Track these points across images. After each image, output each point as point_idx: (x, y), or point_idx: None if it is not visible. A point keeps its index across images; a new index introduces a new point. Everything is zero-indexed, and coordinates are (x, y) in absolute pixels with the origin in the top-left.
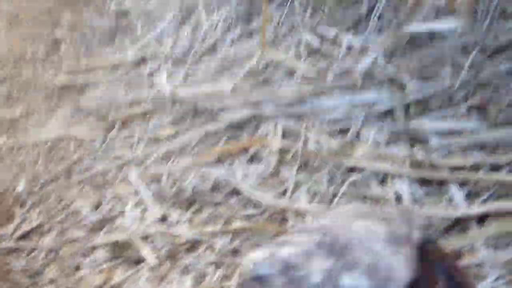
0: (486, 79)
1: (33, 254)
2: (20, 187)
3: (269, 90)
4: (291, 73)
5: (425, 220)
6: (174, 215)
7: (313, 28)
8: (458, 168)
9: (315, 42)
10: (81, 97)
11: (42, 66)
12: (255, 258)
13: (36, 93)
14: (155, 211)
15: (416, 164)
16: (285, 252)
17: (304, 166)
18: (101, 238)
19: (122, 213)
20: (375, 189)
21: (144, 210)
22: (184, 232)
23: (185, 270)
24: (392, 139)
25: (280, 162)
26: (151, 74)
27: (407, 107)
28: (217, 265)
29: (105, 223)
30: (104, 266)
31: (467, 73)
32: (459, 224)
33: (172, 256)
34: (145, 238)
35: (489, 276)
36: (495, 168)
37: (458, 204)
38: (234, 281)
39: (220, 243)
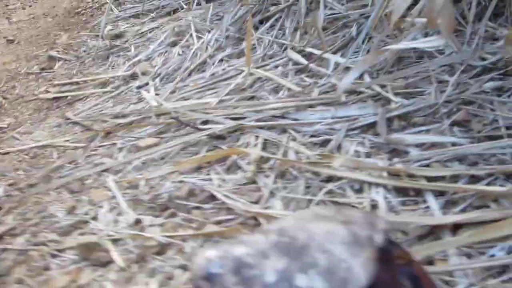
0: (471, 96)
1: (2, 255)
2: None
3: (253, 104)
4: (277, 89)
5: (394, 226)
6: (147, 219)
7: (301, 49)
8: (436, 179)
9: (302, 61)
10: (69, 109)
11: (35, 82)
12: (207, 256)
13: (26, 106)
14: (129, 216)
15: (394, 174)
16: (239, 251)
17: (281, 175)
18: (71, 240)
19: (96, 217)
20: (351, 197)
21: (119, 214)
22: (155, 235)
23: (153, 272)
24: (372, 152)
25: (258, 171)
26: (139, 90)
27: (390, 122)
28: (185, 268)
29: (78, 226)
30: (72, 267)
31: (452, 91)
32: (433, 233)
33: (141, 258)
34: (116, 241)
35: (460, 283)
36: (474, 179)
37: (434, 213)
38: None
39: (190, 246)
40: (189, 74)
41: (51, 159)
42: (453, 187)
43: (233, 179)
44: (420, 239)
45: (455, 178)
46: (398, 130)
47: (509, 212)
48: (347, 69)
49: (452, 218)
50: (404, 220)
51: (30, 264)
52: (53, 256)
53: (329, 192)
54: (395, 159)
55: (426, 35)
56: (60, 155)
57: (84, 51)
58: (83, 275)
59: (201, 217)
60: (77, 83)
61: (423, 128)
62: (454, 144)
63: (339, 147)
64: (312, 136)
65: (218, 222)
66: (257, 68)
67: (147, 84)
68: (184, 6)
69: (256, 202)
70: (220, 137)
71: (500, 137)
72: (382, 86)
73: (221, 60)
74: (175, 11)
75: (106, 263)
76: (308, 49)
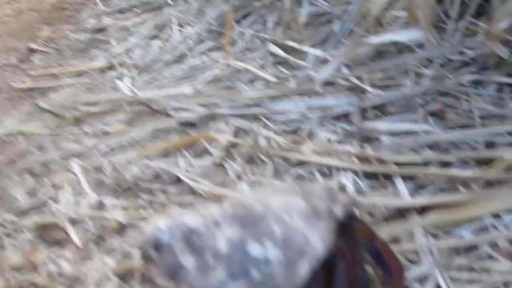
0: (447, 88)
1: None
2: None
3: (227, 93)
4: (253, 81)
5: (361, 207)
6: (109, 201)
7: (282, 43)
8: (406, 164)
9: (281, 53)
10: (42, 98)
11: (12, 73)
12: (157, 225)
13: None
14: (90, 198)
15: (364, 160)
16: (191, 220)
17: (250, 160)
18: (29, 220)
19: (56, 199)
20: (319, 181)
21: (80, 196)
22: (116, 216)
23: (110, 251)
24: (344, 140)
25: (227, 156)
26: (115, 80)
27: (364, 112)
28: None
29: (37, 208)
30: (28, 246)
31: (429, 83)
32: (400, 215)
33: (99, 238)
34: (75, 221)
35: (424, 262)
36: (444, 165)
37: (403, 196)
38: None
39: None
40: (167, 66)
41: (17, 144)
42: (423, 172)
43: (201, 164)
44: (386, 220)
45: (425, 164)
46: (372, 119)
47: (478, 195)
48: (325, 62)
49: (420, 200)
50: (371, 201)
51: None
52: (9, 235)
53: (298, 176)
54: (366, 145)
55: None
56: (27, 141)
57: (65, 44)
58: (38, 253)
59: (165, 200)
60: (53, 74)
61: (397, 117)
62: (427, 132)
63: (311, 135)
64: (284, 124)
65: (181, 204)
66: (236, 60)
67: (123, 75)
68: (170, 2)
69: (223, 185)
70: (191, 125)
71: (473, 126)
72: (359, 79)
73: (201, 53)
74: (160, 6)
75: (63, 242)
76: (289, 43)
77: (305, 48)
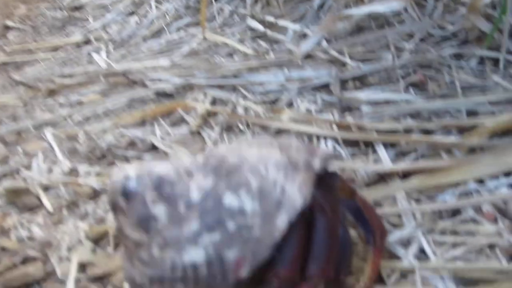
0: (428, 61)
1: None
2: None
3: (205, 65)
4: (232, 54)
5: (342, 172)
6: (83, 168)
7: (260, 18)
8: (388, 131)
9: (260, 28)
10: (17, 72)
11: None
12: (125, 173)
13: None
14: (64, 165)
15: (344, 127)
16: (162, 169)
17: (228, 128)
18: (0, 186)
19: (29, 166)
20: None
21: (53, 164)
22: (90, 182)
23: (84, 216)
24: (324, 109)
25: (204, 124)
26: (91, 53)
27: (344, 83)
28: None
29: (8, 175)
30: None
31: (410, 56)
32: (382, 180)
33: (72, 204)
34: (47, 187)
35: (407, 225)
36: (426, 132)
37: (384, 163)
38: None
39: None
40: (144, 41)
41: None
42: (405, 138)
43: (177, 132)
44: (367, 185)
45: (407, 131)
46: (352, 90)
47: (461, 161)
48: (305, 36)
49: (402, 165)
50: (352, 166)
51: None
52: None
53: None
54: (346, 113)
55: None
56: (0, 112)
57: (41, 21)
58: (8, 218)
59: None
60: (28, 49)
61: (378, 88)
62: (408, 102)
63: (290, 105)
64: (263, 95)
65: None
66: (215, 35)
67: (99, 49)
68: None
69: (199, 153)
70: (168, 95)
71: (455, 96)
72: (339, 52)
73: (179, 28)
74: None
75: (35, 207)
76: (268, 18)
77: (284, 23)
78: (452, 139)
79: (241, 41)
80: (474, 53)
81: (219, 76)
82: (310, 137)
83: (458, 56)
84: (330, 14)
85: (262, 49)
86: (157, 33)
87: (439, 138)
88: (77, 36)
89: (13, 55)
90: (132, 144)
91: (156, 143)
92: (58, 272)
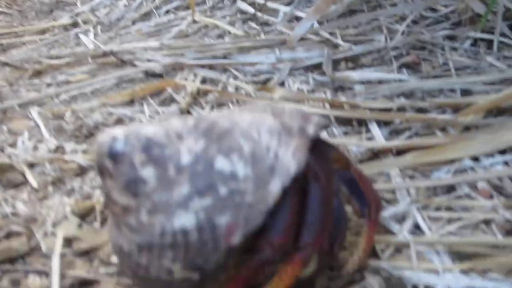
0: (421, 42)
1: None
2: None
3: (194, 45)
4: (222, 35)
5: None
6: (69, 146)
7: (251, 1)
8: (381, 110)
9: (250, 10)
10: (3, 54)
11: None
12: (112, 134)
13: None
14: (50, 143)
15: (337, 106)
16: (150, 131)
17: (219, 107)
18: None
19: (14, 144)
20: None
21: (39, 142)
22: (76, 159)
23: (69, 193)
24: (317, 89)
25: (194, 103)
26: (79, 36)
27: (336, 63)
28: (103, 195)
29: None
30: None
31: (402, 38)
32: (376, 158)
33: (58, 180)
34: (33, 165)
35: (401, 202)
36: (420, 111)
37: (377, 140)
38: None
39: None
40: (133, 23)
41: None
42: (399, 116)
43: (166, 110)
44: (361, 162)
45: (401, 111)
46: (345, 70)
47: (456, 138)
48: (296, 19)
49: (396, 142)
50: (345, 143)
51: None
52: None
53: None
54: (339, 93)
55: None
56: None
57: (28, 6)
58: None
59: None
60: (15, 32)
61: (371, 69)
62: (401, 81)
63: (282, 85)
64: (254, 75)
65: None
66: (204, 17)
67: (87, 31)
68: None
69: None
70: (157, 75)
71: (449, 76)
72: (332, 34)
73: (168, 11)
74: None
75: (19, 184)
76: (258, 1)
77: (275, 5)
78: (446, 117)
79: (231, 23)
80: (468, 35)
81: (209, 57)
82: None
83: (451, 38)
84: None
85: (253, 31)
86: (146, 16)
87: (433, 116)
88: (64, 19)
89: None
90: (120, 122)
91: (145, 121)
92: (43, 247)
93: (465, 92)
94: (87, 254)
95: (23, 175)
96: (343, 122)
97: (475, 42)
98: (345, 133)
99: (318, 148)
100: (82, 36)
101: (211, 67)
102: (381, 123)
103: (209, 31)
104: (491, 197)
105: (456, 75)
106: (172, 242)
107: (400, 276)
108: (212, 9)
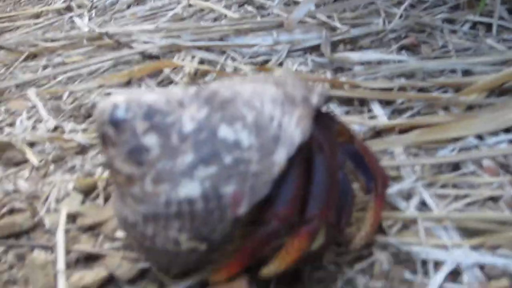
0: (420, 25)
1: None
2: None
3: (190, 27)
4: (218, 18)
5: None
6: (68, 125)
7: None
8: (382, 90)
9: None
10: None
11: None
12: (113, 101)
13: None
14: (49, 122)
15: (337, 86)
16: (152, 98)
17: None
18: None
19: (13, 124)
20: None
21: (38, 121)
22: (76, 138)
23: (71, 170)
24: (316, 70)
25: (193, 84)
26: (74, 19)
27: (335, 46)
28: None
29: None
30: None
31: (401, 21)
32: (379, 136)
33: (59, 159)
34: (32, 144)
35: (406, 178)
36: (422, 91)
37: (380, 119)
38: None
39: None
40: (128, 7)
41: None
42: (401, 96)
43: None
44: (364, 140)
45: (402, 90)
46: (343, 52)
47: (460, 116)
48: (295, 3)
49: (399, 121)
50: (347, 122)
51: None
52: None
53: None
54: (339, 74)
55: None
56: None
57: None
58: None
59: None
60: (9, 16)
61: (370, 50)
62: (401, 62)
63: (280, 65)
64: (252, 57)
65: None
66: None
67: (82, 15)
68: None
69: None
70: (154, 57)
71: (449, 58)
72: (329, 17)
73: None
74: None
75: (20, 163)
76: None
77: None
78: (449, 95)
79: (227, 7)
80: (467, 19)
81: (206, 39)
82: None
83: (450, 21)
84: None
85: (249, 14)
86: (141, 0)
87: (436, 95)
88: (58, 4)
89: None
90: None
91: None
92: (47, 222)
93: (466, 73)
94: (92, 229)
95: (23, 154)
96: (345, 101)
97: (474, 25)
98: (347, 112)
99: (321, 119)
100: (76, 20)
101: (208, 49)
102: (383, 103)
103: (205, 15)
104: (497, 174)
105: (456, 56)
106: (177, 212)
107: (409, 252)
108: None
